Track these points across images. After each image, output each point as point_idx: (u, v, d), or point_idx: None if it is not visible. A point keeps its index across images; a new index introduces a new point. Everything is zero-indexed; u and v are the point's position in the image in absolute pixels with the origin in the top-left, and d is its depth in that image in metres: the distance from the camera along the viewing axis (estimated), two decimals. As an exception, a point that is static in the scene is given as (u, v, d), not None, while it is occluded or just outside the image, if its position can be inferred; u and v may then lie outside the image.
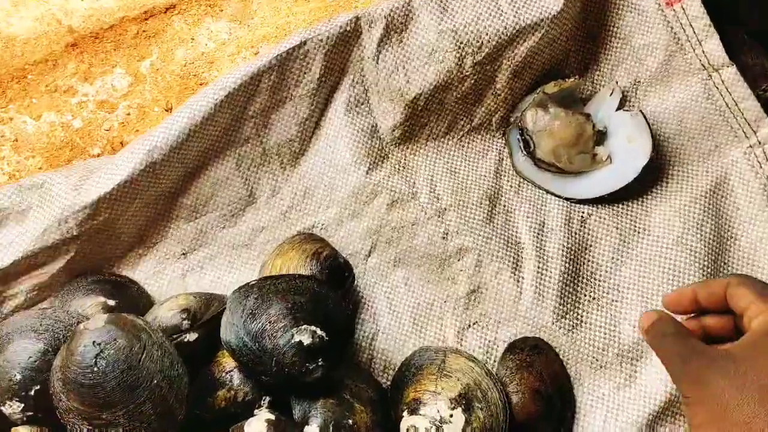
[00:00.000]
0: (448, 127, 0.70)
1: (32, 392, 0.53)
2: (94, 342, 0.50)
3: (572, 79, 0.70)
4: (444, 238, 0.67)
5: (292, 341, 0.54)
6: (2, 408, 0.53)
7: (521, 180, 0.70)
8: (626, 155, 0.68)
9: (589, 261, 0.68)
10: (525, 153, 0.69)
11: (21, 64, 0.72)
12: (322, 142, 0.69)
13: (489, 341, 0.65)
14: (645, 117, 0.67)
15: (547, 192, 0.69)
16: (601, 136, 0.70)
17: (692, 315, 0.56)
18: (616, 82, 0.71)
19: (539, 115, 0.69)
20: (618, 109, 0.70)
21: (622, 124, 0.69)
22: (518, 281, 0.66)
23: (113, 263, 0.65)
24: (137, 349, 0.51)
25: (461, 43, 0.67)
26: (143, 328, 0.53)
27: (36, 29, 0.73)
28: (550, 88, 0.69)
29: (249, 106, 0.66)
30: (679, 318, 0.54)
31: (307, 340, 0.55)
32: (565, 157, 0.69)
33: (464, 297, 0.66)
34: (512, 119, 0.71)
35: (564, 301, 0.66)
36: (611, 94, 0.70)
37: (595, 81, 0.73)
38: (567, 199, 0.69)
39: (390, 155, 0.69)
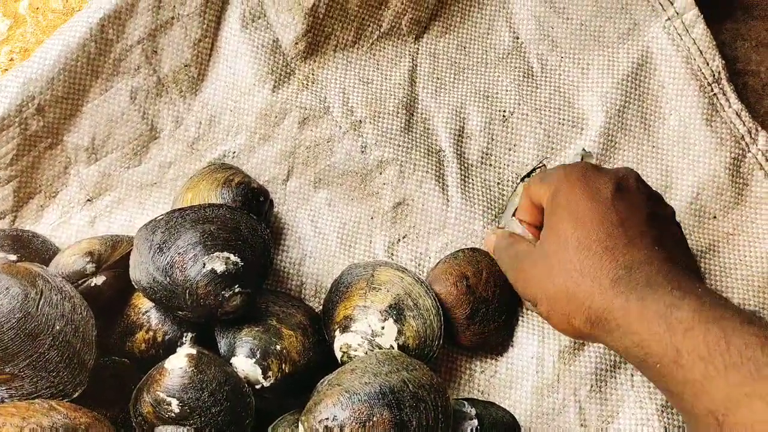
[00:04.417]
0: (355, 35, 0.66)
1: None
2: (-17, 293, 0.47)
3: (538, 172, 0.61)
4: (363, 151, 0.64)
5: (204, 270, 0.51)
6: None
7: (439, 86, 0.67)
8: None
9: (514, 162, 0.65)
10: None
11: None
12: (221, 65, 0.64)
13: (420, 253, 0.62)
14: None
15: None
16: None
17: None
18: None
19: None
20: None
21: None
22: (444, 189, 0.64)
23: (11, 217, 0.61)
24: (33, 295, 0.48)
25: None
26: (39, 274, 0.49)
27: None
28: (521, 191, 0.61)
29: (131, 29, 0.61)
30: None
31: (220, 267, 0.52)
32: None
33: (390, 211, 0.63)
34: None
35: (491, 205, 0.64)
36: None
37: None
38: None
39: (296, 70, 0.65)
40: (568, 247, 0.49)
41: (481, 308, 0.58)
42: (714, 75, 0.65)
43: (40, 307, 0.47)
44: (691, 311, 0.43)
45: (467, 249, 0.61)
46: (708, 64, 0.65)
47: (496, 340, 0.60)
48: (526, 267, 0.54)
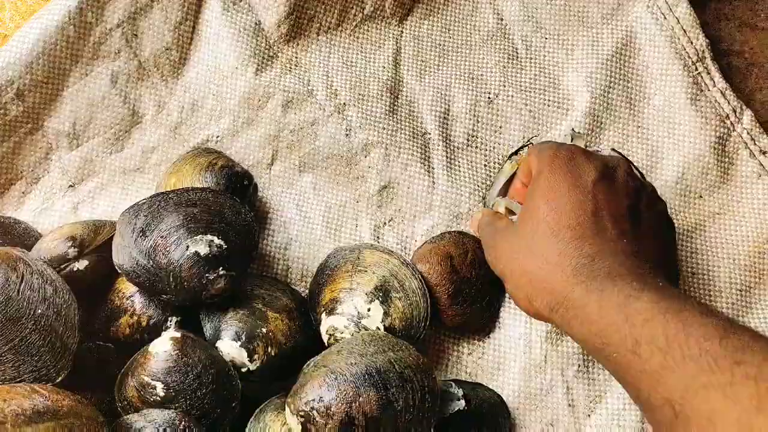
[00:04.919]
0: (338, 18, 0.66)
1: None
2: (-37, 278, 0.46)
3: (526, 150, 0.60)
4: (347, 135, 0.64)
5: (188, 253, 0.51)
6: None
7: (423, 68, 0.67)
8: None
9: (500, 144, 0.65)
10: None
11: None
12: (202, 48, 0.64)
13: (406, 236, 0.62)
14: None
15: None
16: None
17: None
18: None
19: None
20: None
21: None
22: (429, 172, 0.63)
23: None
24: (14, 279, 0.47)
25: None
26: (19, 257, 0.49)
27: None
28: (509, 169, 0.60)
29: (110, 12, 0.61)
30: None
31: (203, 250, 0.51)
32: None
33: (376, 194, 0.63)
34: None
35: (478, 187, 0.63)
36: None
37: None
38: None
39: (279, 54, 0.65)
40: (538, 231, 0.50)
41: (464, 288, 0.57)
42: (698, 54, 0.65)
43: (21, 290, 0.47)
44: (650, 302, 0.43)
45: (454, 231, 0.61)
46: (692, 43, 0.65)
47: (478, 322, 0.59)
48: (498, 243, 0.54)
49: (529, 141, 0.61)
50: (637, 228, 0.50)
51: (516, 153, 0.60)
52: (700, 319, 0.41)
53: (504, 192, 0.60)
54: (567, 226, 0.49)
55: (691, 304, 0.43)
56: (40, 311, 0.47)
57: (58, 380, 0.47)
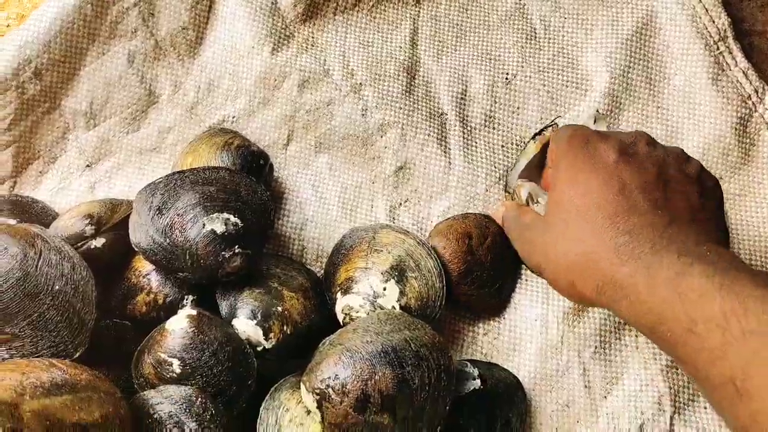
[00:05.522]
0: (355, -2, 0.66)
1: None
2: (-18, 254, 0.47)
3: (550, 131, 0.59)
4: (363, 115, 0.64)
5: (204, 231, 0.51)
6: None
7: (440, 48, 0.66)
8: None
9: (517, 125, 0.64)
10: None
11: None
12: (218, 27, 0.63)
13: (422, 217, 0.62)
14: None
15: None
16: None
17: None
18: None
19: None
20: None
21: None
22: (446, 152, 0.63)
23: (11, 183, 0.61)
24: (32, 255, 0.47)
25: None
26: (37, 234, 0.49)
27: None
28: (532, 149, 0.60)
29: (128, -9, 0.61)
30: None
31: (219, 228, 0.51)
32: None
33: (392, 174, 0.62)
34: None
35: (494, 168, 0.63)
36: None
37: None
38: None
39: (295, 33, 0.64)
40: (570, 217, 0.49)
41: (476, 270, 0.57)
42: (720, 33, 0.64)
43: (39, 266, 0.47)
44: (702, 278, 0.42)
45: (479, 214, 0.60)
46: (713, 23, 0.64)
47: (485, 305, 0.59)
48: (531, 237, 0.54)
49: (553, 121, 0.60)
50: (670, 195, 0.49)
51: (540, 133, 0.59)
52: (756, 291, 0.40)
53: (527, 173, 0.60)
54: (596, 207, 0.48)
55: (744, 273, 0.42)
56: (57, 287, 0.47)
57: (75, 356, 0.47)
